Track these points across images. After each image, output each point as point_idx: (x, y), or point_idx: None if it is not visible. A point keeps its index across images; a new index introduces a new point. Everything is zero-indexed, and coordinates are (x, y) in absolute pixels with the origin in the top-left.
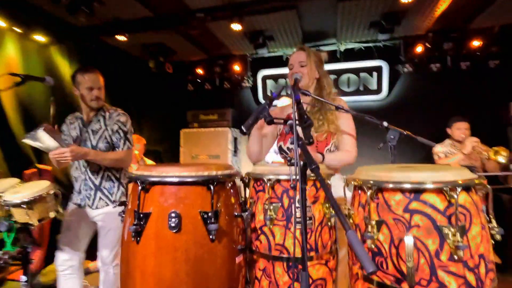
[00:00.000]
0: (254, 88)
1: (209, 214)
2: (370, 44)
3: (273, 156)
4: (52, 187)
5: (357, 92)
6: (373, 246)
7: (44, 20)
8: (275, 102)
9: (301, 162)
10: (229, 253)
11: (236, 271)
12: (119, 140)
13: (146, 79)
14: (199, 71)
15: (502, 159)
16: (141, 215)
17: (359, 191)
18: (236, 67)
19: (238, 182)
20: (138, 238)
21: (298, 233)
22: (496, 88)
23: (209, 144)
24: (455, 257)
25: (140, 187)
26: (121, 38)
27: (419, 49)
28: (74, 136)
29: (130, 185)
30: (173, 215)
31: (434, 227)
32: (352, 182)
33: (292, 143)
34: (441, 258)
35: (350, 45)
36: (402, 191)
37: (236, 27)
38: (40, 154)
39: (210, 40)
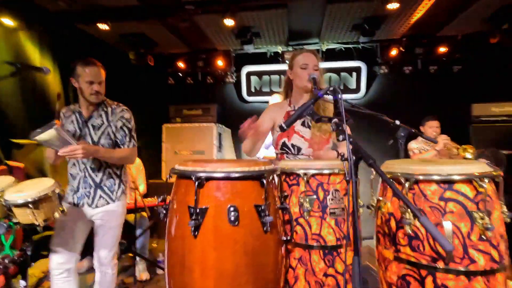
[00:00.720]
0: (237, 84)
1: (263, 207)
2: (350, 46)
3: (264, 151)
4: (56, 186)
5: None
6: (410, 231)
7: (13, 2)
8: (267, 99)
9: (354, 157)
10: (277, 244)
11: (281, 261)
12: (124, 137)
13: (126, 71)
14: (181, 64)
15: (469, 155)
16: (198, 210)
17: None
18: (220, 62)
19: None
20: (196, 233)
21: (333, 222)
22: (459, 91)
23: (193, 140)
24: (483, 237)
25: (196, 183)
26: (102, 26)
27: (394, 52)
28: (72, 131)
29: (174, 181)
30: (231, 209)
31: (466, 212)
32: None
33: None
34: (472, 238)
35: (332, 46)
36: (437, 182)
37: (229, 22)
38: (9, 150)
39: (194, 33)
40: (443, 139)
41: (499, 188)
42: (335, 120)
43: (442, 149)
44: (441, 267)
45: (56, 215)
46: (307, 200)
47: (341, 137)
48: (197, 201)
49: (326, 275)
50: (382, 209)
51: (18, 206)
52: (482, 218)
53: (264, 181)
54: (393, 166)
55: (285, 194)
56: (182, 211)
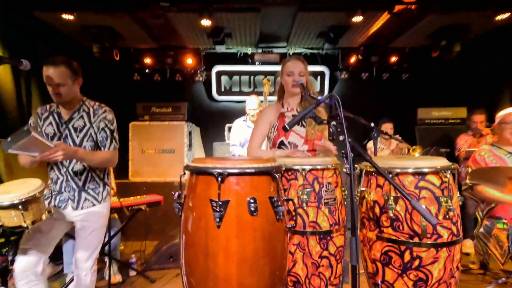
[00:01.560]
0: (207, 83)
1: (275, 198)
2: (315, 51)
3: (239, 150)
4: (44, 186)
5: None
6: (391, 215)
7: None
8: (237, 98)
9: (352, 154)
10: (285, 231)
11: (287, 247)
12: (105, 139)
13: (88, 65)
14: (148, 60)
15: (417, 154)
16: (221, 203)
17: (376, 176)
18: (189, 60)
19: None
20: (220, 223)
21: (327, 211)
22: (407, 96)
23: (162, 138)
24: (447, 216)
25: (220, 178)
26: (67, 16)
27: (353, 59)
28: (51, 133)
29: (190, 176)
30: (251, 201)
31: (434, 197)
32: (367, 168)
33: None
34: (439, 217)
35: (298, 50)
36: (413, 174)
37: (206, 22)
38: None
39: (165, 29)
40: (395, 140)
41: (455, 178)
42: (333, 123)
43: (395, 148)
44: (416, 241)
45: (44, 216)
46: (305, 192)
47: (341, 137)
48: (220, 194)
49: (321, 257)
50: (367, 198)
51: (4, 208)
52: (446, 202)
53: (277, 176)
54: (376, 162)
55: (284, 187)
56: (203, 205)
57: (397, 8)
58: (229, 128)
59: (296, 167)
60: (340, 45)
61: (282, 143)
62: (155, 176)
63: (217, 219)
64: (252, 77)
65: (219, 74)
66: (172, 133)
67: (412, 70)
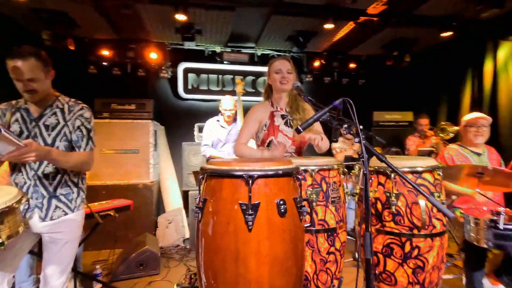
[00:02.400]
0: (172, 80)
1: (299, 199)
2: (282, 54)
3: (212, 151)
4: (22, 194)
5: None
6: (394, 210)
7: None
8: (204, 97)
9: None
10: (304, 231)
11: (305, 246)
12: (80, 139)
13: None
14: (105, 52)
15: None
16: (252, 206)
17: (377, 175)
18: (153, 55)
19: None
20: (250, 226)
21: (333, 209)
22: (363, 100)
23: (125, 137)
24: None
25: (250, 181)
26: None
27: (316, 63)
28: (17, 131)
29: (209, 180)
30: (281, 202)
31: (430, 193)
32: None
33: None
34: (433, 210)
35: (266, 51)
36: (412, 172)
37: (181, 17)
38: None
39: (129, 20)
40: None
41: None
42: (346, 125)
43: (357, 149)
44: (415, 233)
45: (21, 230)
46: (314, 192)
47: (356, 140)
48: (251, 197)
49: (328, 253)
50: (371, 194)
51: None
52: (438, 196)
53: (299, 177)
54: (378, 162)
55: None
56: (231, 209)
57: (362, 19)
58: (200, 128)
59: (305, 168)
60: (306, 50)
61: (271, 142)
62: (116, 178)
63: (250, 222)
64: (220, 76)
65: (187, 71)
66: (136, 132)
67: (368, 76)
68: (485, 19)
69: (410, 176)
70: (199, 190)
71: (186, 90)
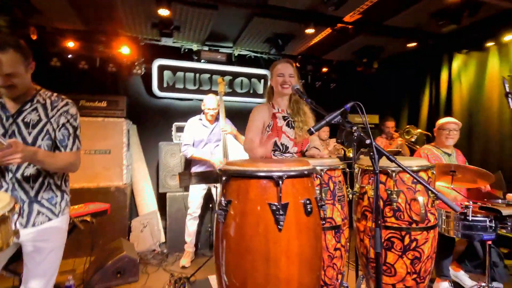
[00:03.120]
0: (146, 77)
1: (319, 198)
2: (258, 55)
3: (193, 150)
4: (14, 201)
5: (247, 94)
6: (395, 206)
7: None
8: (180, 96)
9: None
10: (322, 229)
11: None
12: (66, 138)
13: None
14: (70, 44)
15: (351, 155)
16: (281, 206)
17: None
18: (125, 49)
19: None
20: (280, 226)
21: (339, 207)
22: (335, 103)
23: (95, 137)
24: (433, 204)
25: (280, 182)
26: None
27: None
28: None
29: (232, 181)
30: (308, 202)
31: (425, 189)
32: (365, 167)
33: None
34: (428, 205)
35: (243, 52)
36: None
37: (164, 12)
38: None
39: (101, 10)
40: (333, 142)
41: None
42: (355, 127)
43: (332, 149)
44: (414, 227)
45: (11, 241)
46: (323, 191)
47: (368, 141)
48: (281, 198)
49: (335, 249)
50: (369, 193)
51: None
52: (432, 193)
53: (319, 177)
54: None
55: None
56: (260, 209)
57: (339, 25)
58: (177, 128)
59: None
60: (283, 52)
61: (275, 144)
62: (85, 181)
63: (281, 223)
64: (197, 75)
65: (162, 68)
66: (108, 131)
67: (339, 81)
68: (443, 33)
69: (407, 175)
70: (222, 191)
71: (161, 88)
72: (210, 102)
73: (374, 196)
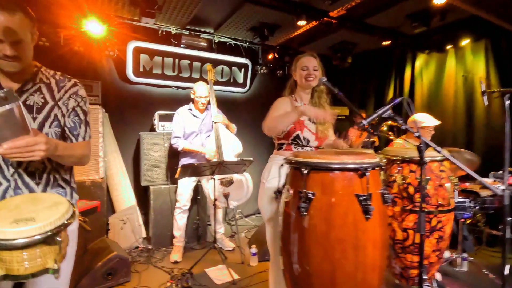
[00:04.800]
0: (118, 60)
1: (384, 189)
2: (238, 43)
3: (184, 143)
4: (70, 204)
5: (228, 83)
6: (424, 192)
7: None
8: (158, 82)
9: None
10: None
11: None
12: (78, 125)
13: None
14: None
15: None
16: (367, 196)
17: (408, 163)
18: (95, 28)
19: None
20: (369, 216)
21: None
22: None
23: None
24: (454, 189)
25: (366, 174)
26: None
27: (270, 56)
28: None
29: (312, 173)
30: (385, 192)
31: (448, 177)
32: (392, 158)
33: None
34: (450, 190)
35: (223, 39)
36: (437, 161)
37: None
38: None
39: None
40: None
41: None
42: (401, 121)
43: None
44: (440, 210)
45: (64, 251)
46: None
47: (416, 134)
48: (368, 188)
49: None
50: (398, 181)
51: (27, 246)
52: (453, 178)
53: (383, 170)
54: (399, 153)
55: None
56: (348, 200)
57: (325, 19)
58: (161, 117)
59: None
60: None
61: (297, 137)
62: None
63: (370, 212)
64: (177, 61)
65: (138, 51)
66: None
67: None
68: (411, 34)
69: (435, 164)
70: (305, 185)
71: (137, 73)
72: (201, 89)
73: (419, 183)
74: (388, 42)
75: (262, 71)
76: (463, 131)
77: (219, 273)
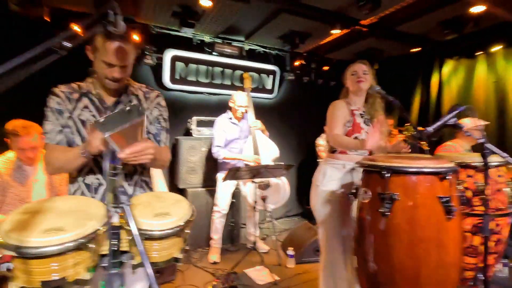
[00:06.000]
0: (156, 68)
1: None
2: (267, 50)
3: (225, 152)
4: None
5: (257, 89)
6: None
7: None
8: (192, 89)
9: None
10: None
11: None
12: (160, 132)
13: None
14: (75, 28)
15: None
16: (449, 199)
17: (465, 168)
18: (135, 37)
19: None
20: (451, 217)
21: None
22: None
23: None
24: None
25: (448, 177)
26: None
27: (297, 63)
28: (86, 119)
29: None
30: (462, 194)
31: (506, 181)
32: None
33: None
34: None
35: (253, 47)
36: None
37: (206, 3)
38: None
39: None
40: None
41: None
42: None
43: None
44: (498, 214)
45: None
46: None
47: (481, 140)
48: (449, 191)
49: None
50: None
51: (166, 236)
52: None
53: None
54: (463, 157)
55: None
56: (431, 202)
57: (356, 27)
58: (197, 122)
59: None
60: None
61: (356, 139)
62: None
63: (453, 213)
64: (210, 68)
65: (174, 59)
66: None
67: (338, 79)
68: (442, 41)
69: (494, 169)
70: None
71: (173, 80)
72: (241, 99)
73: (481, 188)
74: (417, 49)
75: (289, 77)
76: (495, 136)
77: (259, 274)
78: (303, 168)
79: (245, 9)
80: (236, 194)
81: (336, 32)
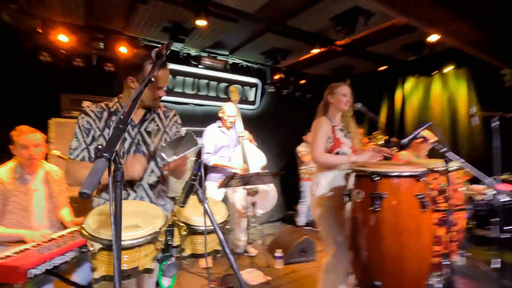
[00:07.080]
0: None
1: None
2: (249, 64)
3: (215, 158)
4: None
5: (240, 101)
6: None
7: None
8: (179, 100)
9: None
10: None
11: None
12: None
13: None
14: (63, 38)
15: None
16: (425, 196)
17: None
18: (123, 49)
19: None
20: (425, 209)
21: None
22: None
23: None
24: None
25: (424, 178)
26: None
27: (277, 77)
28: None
29: (384, 180)
30: (430, 192)
31: (462, 182)
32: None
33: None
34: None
35: (237, 61)
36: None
37: (201, 22)
38: None
39: (115, 7)
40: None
41: None
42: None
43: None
44: (456, 209)
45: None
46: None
47: (443, 150)
48: (423, 189)
49: None
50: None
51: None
52: (465, 185)
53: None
54: (428, 164)
55: None
56: (410, 200)
57: (332, 47)
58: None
59: None
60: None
61: (337, 153)
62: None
63: (427, 207)
64: (196, 80)
65: None
66: None
67: (314, 92)
68: (403, 61)
69: (453, 173)
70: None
71: None
72: (230, 110)
73: (444, 188)
74: (384, 67)
75: (270, 90)
76: (449, 143)
77: (251, 275)
78: (285, 175)
79: (233, 27)
80: (224, 201)
81: (315, 51)
